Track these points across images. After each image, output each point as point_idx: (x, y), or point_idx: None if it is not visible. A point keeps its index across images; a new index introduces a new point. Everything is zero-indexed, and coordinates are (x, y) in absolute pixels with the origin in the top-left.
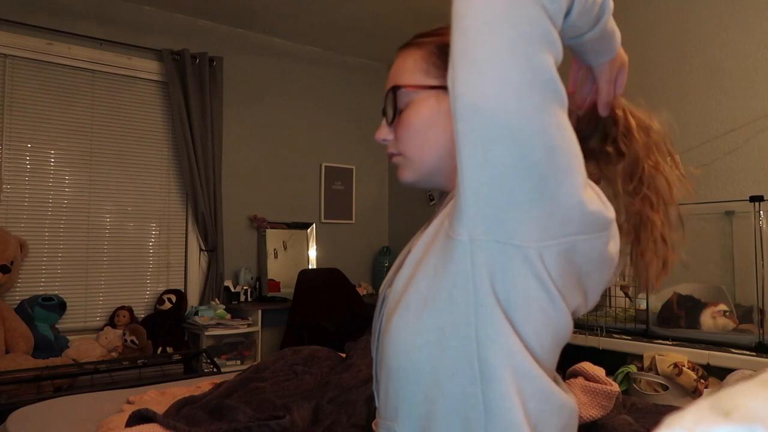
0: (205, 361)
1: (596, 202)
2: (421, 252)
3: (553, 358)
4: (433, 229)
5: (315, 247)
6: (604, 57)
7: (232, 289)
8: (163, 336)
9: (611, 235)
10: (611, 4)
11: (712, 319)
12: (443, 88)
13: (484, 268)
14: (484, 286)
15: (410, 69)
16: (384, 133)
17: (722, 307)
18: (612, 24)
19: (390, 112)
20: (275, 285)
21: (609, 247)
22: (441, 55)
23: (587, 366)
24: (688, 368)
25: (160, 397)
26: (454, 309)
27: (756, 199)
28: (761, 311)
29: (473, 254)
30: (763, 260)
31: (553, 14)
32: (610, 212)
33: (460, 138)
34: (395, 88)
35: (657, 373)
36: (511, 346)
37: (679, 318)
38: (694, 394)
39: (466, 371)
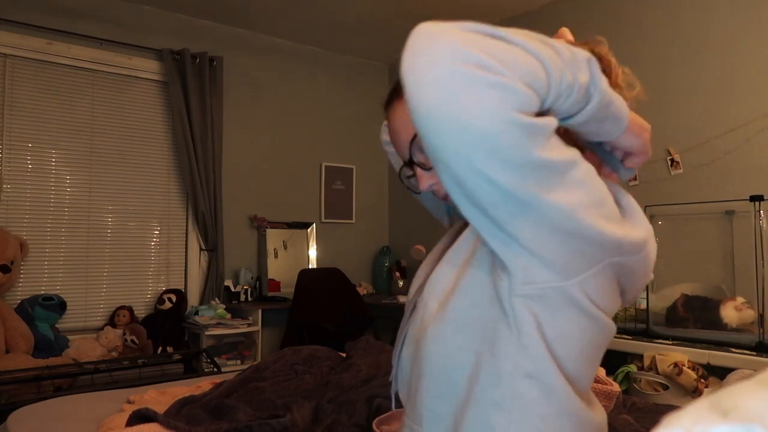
0: (205, 360)
1: (622, 230)
2: (460, 265)
3: (594, 370)
4: (471, 238)
5: (315, 246)
6: (603, 137)
7: (233, 289)
8: (164, 336)
9: (648, 251)
10: (602, 87)
11: (738, 312)
12: None
13: (526, 313)
14: (528, 330)
15: None
16: (427, 180)
17: (741, 299)
18: (611, 108)
19: (427, 159)
20: (275, 285)
21: (648, 261)
22: None
23: None
24: (688, 368)
25: (160, 397)
26: (496, 342)
27: (756, 198)
28: (761, 312)
29: (512, 299)
30: (763, 260)
31: (528, 106)
32: (639, 231)
33: (469, 213)
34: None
35: (657, 373)
36: (550, 383)
37: (685, 320)
38: (695, 393)
39: (495, 400)
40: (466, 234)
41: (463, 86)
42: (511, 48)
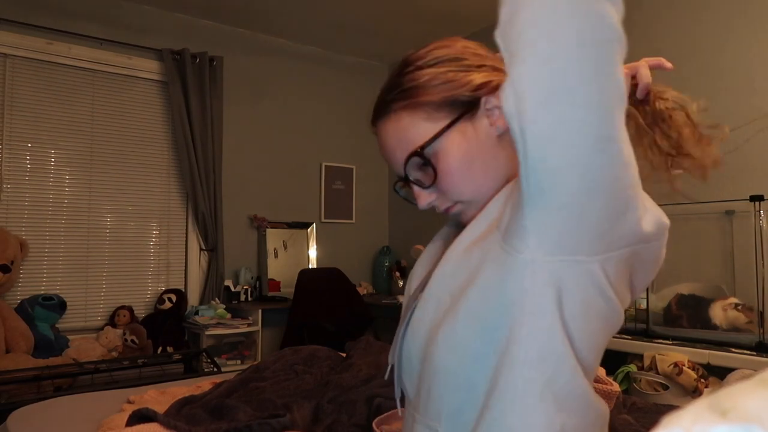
0: (205, 360)
1: (654, 209)
2: (466, 256)
3: (598, 361)
4: (477, 231)
5: (315, 246)
6: None
7: (233, 289)
8: (164, 335)
9: (665, 240)
10: None
11: (723, 312)
12: (457, 119)
13: (548, 288)
14: (546, 305)
15: (412, 125)
16: (426, 198)
17: (733, 300)
18: None
19: (425, 177)
20: (275, 285)
21: (662, 249)
22: (426, 93)
23: None
24: (688, 368)
25: (160, 397)
26: (511, 328)
27: (756, 198)
28: (761, 311)
29: (534, 273)
30: (763, 260)
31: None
32: (665, 217)
33: (530, 165)
34: (419, 152)
35: (657, 373)
36: (562, 363)
37: (679, 318)
38: (695, 393)
39: (510, 387)
40: (469, 231)
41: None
42: None
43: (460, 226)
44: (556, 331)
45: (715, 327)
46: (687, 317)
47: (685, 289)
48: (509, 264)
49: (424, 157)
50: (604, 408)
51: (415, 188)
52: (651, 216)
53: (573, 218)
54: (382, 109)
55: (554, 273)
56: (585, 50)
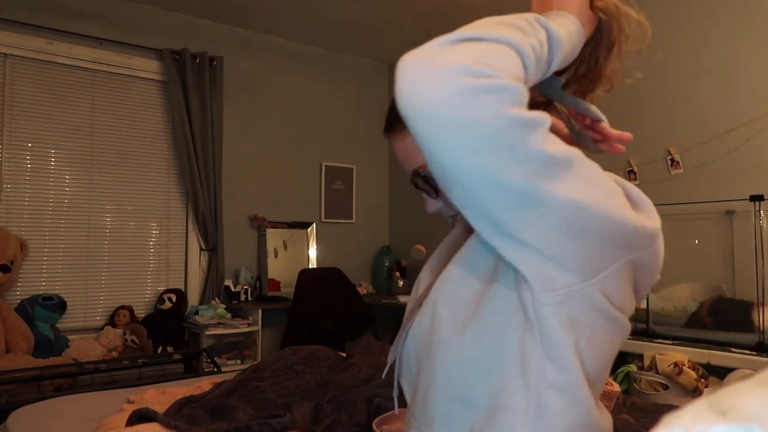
0: (205, 360)
1: (636, 218)
2: (476, 272)
3: (607, 373)
4: (489, 251)
5: (315, 246)
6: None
7: (233, 289)
8: (164, 335)
9: (659, 243)
10: (559, 37)
11: None
12: None
13: (554, 322)
14: (556, 339)
15: (415, 147)
16: (432, 205)
17: None
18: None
19: (430, 190)
20: (275, 284)
21: (659, 253)
22: None
23: None
24: (688, 368)
25: (160, 397)
26: (521, 354)
27: (756, 198)
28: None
29: (538, 310)
30: (763, 260)
31: (521, 98)
32: (653, 221)
33: (482, 227)
34: (420, 173)
35: (657, 373)
36: (576, 394)
37: (705, 324)
38: (695, 393)
39: (520, 411)
40: (477, 239)
41: (464, 100)
42: (491, 46)
43: (470, 227)
44: (569, 360)
45: (758, 331)
46: (723, 321)
47: (685, 289)
48: (517, 296)
49: (425, 177)
50: (608, 425)
51: (423, 195)
52: (635, 219)
53: (557, 259)
54: (389, 123)
55: (559, 307)
56: (481, 157)
